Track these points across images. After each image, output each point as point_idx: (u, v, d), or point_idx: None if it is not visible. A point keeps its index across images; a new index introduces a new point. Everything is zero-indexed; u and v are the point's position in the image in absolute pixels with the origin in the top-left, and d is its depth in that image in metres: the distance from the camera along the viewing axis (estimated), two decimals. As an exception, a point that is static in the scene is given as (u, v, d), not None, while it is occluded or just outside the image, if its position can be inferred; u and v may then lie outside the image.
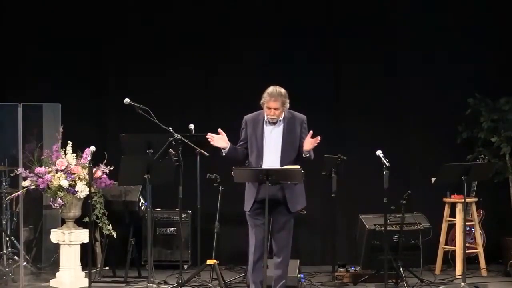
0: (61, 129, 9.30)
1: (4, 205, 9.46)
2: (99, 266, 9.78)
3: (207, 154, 8.73)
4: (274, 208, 7.85)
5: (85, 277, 9.08)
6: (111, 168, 9.08)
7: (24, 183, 9.11)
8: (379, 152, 8.64)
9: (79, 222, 9.26)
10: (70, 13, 10.52)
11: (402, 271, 9.06)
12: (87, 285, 8.82)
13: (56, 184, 9.00)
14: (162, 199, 9.50)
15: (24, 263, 9.26)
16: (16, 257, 9.39)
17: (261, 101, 7.92)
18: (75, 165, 9.11)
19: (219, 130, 7.94)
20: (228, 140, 7.96)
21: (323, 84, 10.57)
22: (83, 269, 9.24)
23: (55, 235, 9.21)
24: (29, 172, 9.08)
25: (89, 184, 8.87)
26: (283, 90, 7.91)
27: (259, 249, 7.87)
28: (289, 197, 7.88)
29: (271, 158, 7.90)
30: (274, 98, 7.85)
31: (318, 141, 7.82)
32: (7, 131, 9.29)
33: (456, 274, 9.59)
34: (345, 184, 9.81)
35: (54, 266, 9.46)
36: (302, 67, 10.46)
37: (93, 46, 10.59)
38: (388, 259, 8.84)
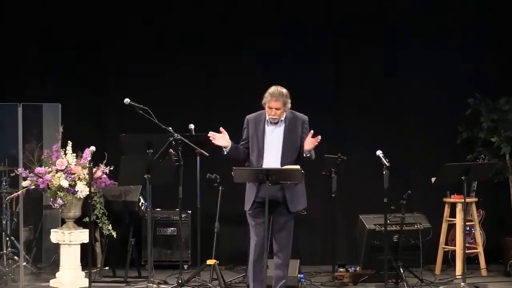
0: (61, 129, 9.30)
1: (4, 205, 9.46)
2: (99, 266, 9.78)
3: (207, 154, 8.73)
4: (274, 208, 7.85)
5: (85, 277, 9.08)
6: (111, 168, 9.08)
7: (24, 183, 9.11)
8: (379, 152, 8.64)
9: (79, 222, 9.26)
10: (70, 13, 10.52)
11: (402, 271, 9.06)
12: (87, 285, 8.82)
13: (56, 184, 9.00)
14: (162, 199, 9.50)
15: (24, 263, 9.26)
16: (16, 257, 9.39)
17: (263, 101, 7.92)
18: (75, 165, 9.12)
19: (221, 128, 7.94)
20: (229, 139, 7.97)
21: (323, 84, 10.57)
22: (83, 269, 9.24)
23: (55, 235, 9.21)
24: (29, 172, 9.08)
25: (89, 184, 8.87)
26: (284, 90, 7.92)
27: (259, 248, 7.87)
28: (289, 197, 7.87)
29: (272, 158, 7.90)
30: (275, 98, 7.86)
31: (319, 140, 7.82)
32: (7, 131, 9.29)
33: (456, 274, 9.59)
34: (345, 184, 9.81)
35: (54, 266, 9.46)
36: (302, 67, 10.46)
37: (93, 46, 10.59)
38: (388, 259, 8.84)
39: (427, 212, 9.81)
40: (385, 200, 8.59)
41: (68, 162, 9.11)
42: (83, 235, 9.12)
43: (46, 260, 9.69)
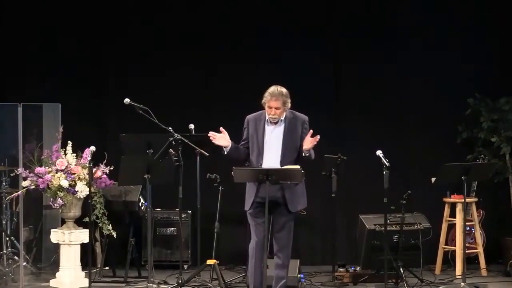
0: (61, 129, 9.30)
1: (4, 205, 9.46)
2: (99, 266, 9.78)
3: (207, 154, 8.73)
4: (274, 208, 7.85)
5: (85, 277, 9.08)
6: (111, 168, 9.08)
7: (24, 183, 9.11)
8: (379, 152, 8.64)
9: (79, 222, 9.26)
10: (70, 13, 10.52)
11: (402, 271, 9.06)
12: (87, 285, 8.82)
13: (56, 184, 9.00)
14: (162, 199, 9.50)
15: (24, 263, 9.26)
16: (16, 257, 9.40)
17: (263, 101, 7.92)
18: (75, 165, 9.12)
19: (221, 128, 7.95)
20: (229, 139, 7.97)
21: (323, 84, 10.57)
22: (83, 269, 9.24)
23: (55, 235, 9.21)
24: (29, 172, 9.08)
25: (89, 184, 8.87)
26: (284, 90, 7.92)
27: (259, 248, 7.87)
28: (289, 197, 7.87)
29: (272, 158, 7.90)
30: (275, 97, 7.86)
31: (317, 140, 7.82)
32: (7, 131, 9.29)
33: (456, 274, 9.59)
34: (345, 184, 9.81)
35: (54, 266, 9.46)
36: (302, 67, 10.45)
37: (93, 46, 10.59)
38: (388, 259, 8.84)
39: (427, 212, 9.81)
40: (385, 200, 8.59)
41: (68, 162, 9.12)
42: (83, 235, 9.12)
43: (46, 260, 9.69)
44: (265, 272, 7.78)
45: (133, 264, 9.59)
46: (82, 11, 10.53)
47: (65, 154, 9.17)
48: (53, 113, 9.44)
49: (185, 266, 9.98)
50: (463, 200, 9.06)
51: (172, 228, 10.22)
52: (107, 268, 9.85)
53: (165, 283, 9.20)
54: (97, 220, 9.24)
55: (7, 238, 9.51)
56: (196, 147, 8.76)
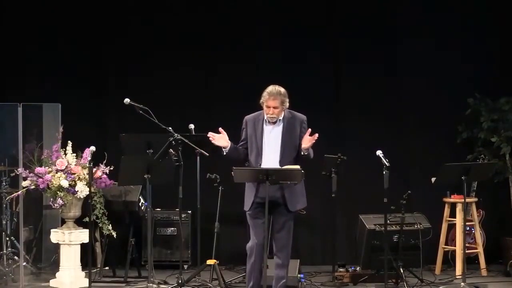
0: (61, 129, 9.30)
1: (4, 205, 9.47)
2: (99, 266, 9.78)
3: (207, 154, 8.72)
4: (273, 208, 7.84)
5: (85, 277, 9.08)
6: (111, 168, 9.08)
7: (24, 183, 9.11)
8: (379, 152, 8.64)
9: (79, 222, 9.26)
10: (70, 13, 10.52)
11: (402, 271, 9.06)
12: (87, 285, 8.82)
13: (56, 184, 9.00)
14: (162, 199, 9.50)
15: (24, 263, 9.26)
16: (16, 257, 9.40)
17: (261, 100, 7.92)
18: (75, 165, 9.12)
19: (220, 129, 7.94)
20: (228, 139, 7.96)
21: (323, 84, 10.57)
22: (83, 269, 9.24)
23: (55, 235, 9.21)
24: (29, 172, 9.08)
25: (89, 184, 8.87)
26: (282, 89, 7.91)
27: (258, 249, 7.86)
28: (288, 197, 7.87)
29: (271, 158, 7.89)
30: (273, 96, 7.86)
31: (316, 138, 7.80)
32: (7, 131, 9.29)
33: (456, 274, 9.59)
34: (345, 184, 9.81)
35: (54, 266, 9.47)
36: (302, 67, 10.46)
37: (93, 46, 10.59)
38: (388, 259, 8.84)
39: (427, 212, 9.81)
40: (385, 200, 8.58)
41: (68, 162, 9.12)
42: (83, 235, 9.12)
43: (46, 260, 9.70)
44: (265, 272, 7.77)
45: (133, 264, 9.59)
46: (82, 11, 10.54)
47: (65, 154, 9.17)
48: (53, 113, 9.44)
49: (185, 266, 9.98)
50: (463, 200, 9.05)
51: (172, 228, 10.23)
52: (107, 268, 9.85)
53: (165, 283, 9.20)
54: (97, 220, 9.24)
55: (7, 238, 9.51)
56: (196, 147, 8.76)
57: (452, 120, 10.37)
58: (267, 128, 7.95)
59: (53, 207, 9.15)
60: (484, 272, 9.85)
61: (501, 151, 10.05)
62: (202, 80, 10.65)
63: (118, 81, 10.62)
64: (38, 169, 9.06)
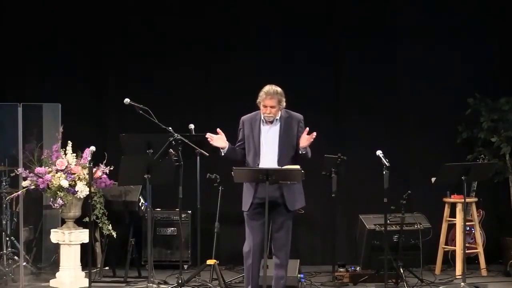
0: (61, 129, 9.30)
1: (4, 205, 9.47)
2: (99, 266, 9.78)
3: (207, 154, 8.72)
4: (273, 208, 7.83)
5: (85, 277, 9.08)
6: (111, 168, 9.08)
7: (24, 183, 9.11)
8: (379, 152, 8.64)
9: (79, 222, 9.26)
10: (70, 13, 10.52)
11: (402, 271, 9.06)
12: (87, 285, 8.82)
13: (56, 184, 9.00)
14: (162, 199, 9.50)
15: (24, 263, 9.26)
16: (16, 257, 9.40)
17: (258, 100, 7.91)
18: (75, 165, 9.12)
19: (218, 130, 7.94)
20: (228, 140, 7.96)
21: (323, 84, 10.57)
22: (83, 269, 9.24)
23: (55, 235, 9.21)
24: (29, 172, 9.08)
25: (89, 184, 8.87)
26: (279, 89, 7.91)
27: (256, 251, 7.85)
28: (287, 196, 7.85)
29: (268, 157, 7.88)
30: (270, 96, 7.85)
31: (314, 137, 7.79)
32: (7, 131, 9.29)
33: (456, 274, 9.59)
34: (345, 184, 9.81)
35: (54, 266, 9.47)
36: (302, 67, 10.46)
37: (93, 46, 10.59)
38: (388, 259, 8.84)
39: (427, 212, 9.82)
40: (385, 200, 8.58)
41: (68, 162, 9.12)
42: (83, 235, 9.12)
43: (46, 260, 9.70)
44: (265, 272, 7.77)
45: (133, 264, 9.59)
46: (82, 11, 10.53)
47: (65, 154, 9.17)
48: (53, 113, 9.44)
49: (185, 266, 9.98)
50: (463, 200, 9.05)
51: (172, 228, 10.23)
52: (107, 268, 9.85)
53: (165, 283, 9.20)
54: (97, 220, 9.24)
55: (7, 238, 9.51)
56: (196, 147, 8.76)
57: (452, 120, 10.36)
58: (264, 128, 7.95)
59: (53, 207, 9.15)
60: (484, 272, 9.85)
61: (501, 151, 10.05)
62: (202, 80, 10.64)
63: (118, 81, 10.62)
64: (38, 169, 9.06)
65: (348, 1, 10.59)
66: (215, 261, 9.15)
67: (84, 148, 9.15)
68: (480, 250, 9.89)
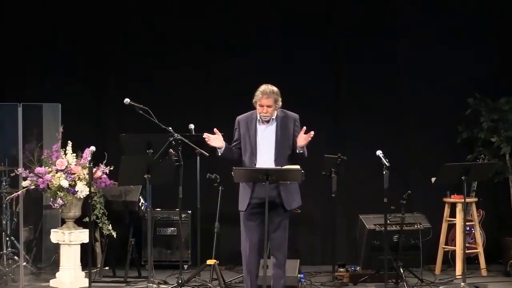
0: (61, 129, 9.30)
1: (4, 205, 9.47)
2: (99, 266, 9.78)
3: (207, 154, 8.72)
4: (270, 208, 7.78)
5: (85, 277, 9.09)
6: (111, 168, 9.08)
7: (24, 183, 9.11)
8: (379, 152, 8.64)
9: (79, 222, 9.26)
10: (70, 13, 10.52)
11: (402, 271, 9.06)
12: (87, 285, 8.82)
13: (56, 184, 9.00)
14: (162, 199, 9.50)
15: (24, 263, 9.26)
16: (16, 257, 9.40)
17: (254, 100, 7.91)
18: (75, 165, 9.12)
19: (215, 130, 7.94)
20: (227, 139, 7.96)
21: (323, 84, 10.56)
22: (83, 269, 9.24)
23: (55, 235, 9.21)
24: (29, 172, 9.08)
25: (89, 184, 8.87)
26: (275, 88, 7.90)
27: (254, 251, 7.84)
28: (284, 196, 7.84)
29: (265, 157, 7.87)
30: (266, 95, 7.85)
31: (312, 136, 7.78)
32: (7, 131, 9.29)
33: (456, 274, 9.59)
34: (345, 184, 9.81)
35: (54, 266, 9.47)
36: (302, 67, 10.46)
37: (93, 46, 10.59)
38: (388, 259, 8.84)
39: (427, 212, 9.82)
40: (385, 200, 8.58)
41: (68, 162, 9.12)
42: (83, 235, 9.12)
43: (46, 260, 9.70)
44: (265, 272, 7.77)
45: (133, 264, 9.59)
46: (82, 11, 10.54)
47: (65, 154, 9.17)
48: (53, 113, 9.45)
49: (185, 266, 9.98)
50: (463, 200, 9.05)
51: (172, 228, 10.23)
52: (107, 268, 9.85)
53: (165, 283, 9.20)
54: (97, 220, 9.24)
55: (7, 238, 9.51)
56: (196, 147, 8.76)
57: (452, 120, 10.36)
58: (260, 128, 7.93)
59: (53, 207, 9.15)
60: (484, 272, 9.85)
61: (501, 151, 10.05)
62: (202, 80, 10.65)
63: (118, 81, 10.62)
64: (38, 169, 9.06)
65: (348, 1, 10.59)
66: (215, 261, 9.15)
67: (84, 148, 9.15)
68: (480, 250, 9.89)
